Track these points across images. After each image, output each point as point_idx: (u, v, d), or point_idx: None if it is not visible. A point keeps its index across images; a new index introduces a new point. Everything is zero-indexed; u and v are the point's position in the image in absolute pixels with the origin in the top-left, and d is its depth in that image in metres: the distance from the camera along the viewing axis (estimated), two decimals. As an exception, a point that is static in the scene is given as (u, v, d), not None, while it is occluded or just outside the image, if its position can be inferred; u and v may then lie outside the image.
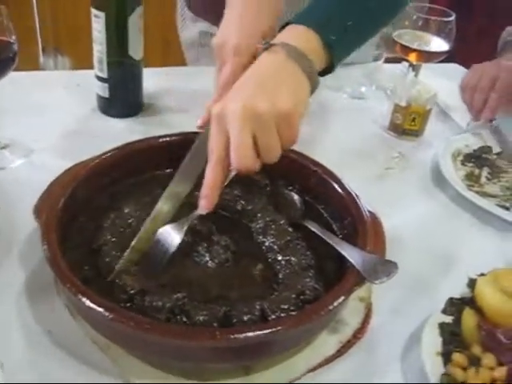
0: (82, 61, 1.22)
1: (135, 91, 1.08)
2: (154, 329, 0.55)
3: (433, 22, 1.16)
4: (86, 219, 0.74)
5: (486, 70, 1.13)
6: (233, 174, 0.66)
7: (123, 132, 1.02)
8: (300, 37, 0.69)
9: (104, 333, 0.61)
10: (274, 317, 0.61)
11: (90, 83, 1.07)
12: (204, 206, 0.64)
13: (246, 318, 0.60)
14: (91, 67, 1.04)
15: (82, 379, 0.61)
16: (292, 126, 0.63)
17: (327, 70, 0.73)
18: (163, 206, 0.70)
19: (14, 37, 0.86)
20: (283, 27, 0.72)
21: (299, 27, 0.70)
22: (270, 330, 0.56)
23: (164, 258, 0.65)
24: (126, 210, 0.75)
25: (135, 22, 0.99)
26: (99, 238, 0.70)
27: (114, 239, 0.70)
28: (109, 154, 0.78)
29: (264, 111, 0.61)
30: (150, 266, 0.66)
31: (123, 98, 1.07)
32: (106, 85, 1.04)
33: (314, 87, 0.68)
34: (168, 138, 0.83)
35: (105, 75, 1.02)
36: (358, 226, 0.71)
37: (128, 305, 0.62)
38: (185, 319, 0.60)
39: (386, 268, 0.63)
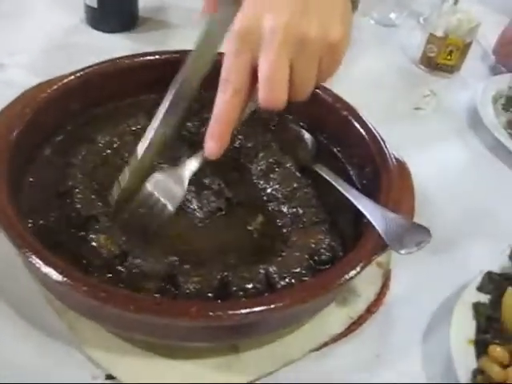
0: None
1: (128, 2, 0.94)
2: (110, 298, 0.43)
3: None
4: (53, 153, 0.61)
5: None
6: (251, 109, 0.52)
7: (113, 49, 0.86)
8: None
9: (56, 295, 0.50)
10: (283, 283, 0.50)
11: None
12: (213, 148, 0.49)
13: (248, 286, 0.49)
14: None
15: (30, 344, 0.52)
16: (337, 59, 0.49)
17: None
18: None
19: None
20: None
21: None
22: (264, 308, 0.44)
23: (160, 218, 0.52)
24: (102, 142, 0.62)
25: None
26: (67, 177, 0.57)
27: (85, 179, 0.57)
28: (82, 72, 0.64)
29: (314, 38, 0.46)
30: (138, 226, 0.52)
31: (114, 9, 0.93)
32: (95, -8, 0.89)
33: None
34: (157, 56, 0.69)
35: (93, -20, 0.88)
36: (382, 175, 0.58)
37: (106, 270, 0.50)
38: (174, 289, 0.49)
39: (415, 234, 0.50)
